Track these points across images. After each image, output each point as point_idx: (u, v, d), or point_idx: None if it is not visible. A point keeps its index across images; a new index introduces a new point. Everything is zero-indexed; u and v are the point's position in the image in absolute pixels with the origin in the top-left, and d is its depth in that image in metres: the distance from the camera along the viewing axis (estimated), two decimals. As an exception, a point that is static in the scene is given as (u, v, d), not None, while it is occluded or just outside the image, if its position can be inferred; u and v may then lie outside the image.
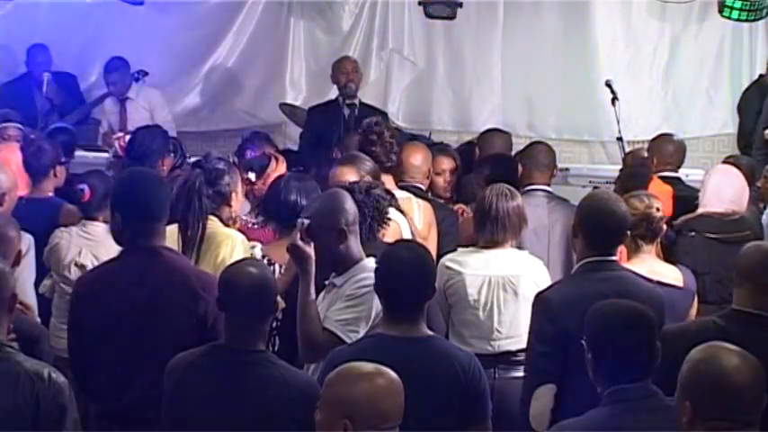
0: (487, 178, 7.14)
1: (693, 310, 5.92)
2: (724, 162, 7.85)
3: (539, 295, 5.22)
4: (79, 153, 8.99)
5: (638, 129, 10.85)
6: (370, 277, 4.87)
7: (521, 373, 5.38)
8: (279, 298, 4.60)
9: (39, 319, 6.32)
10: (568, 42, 11.47)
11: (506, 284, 6.00)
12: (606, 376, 4.01)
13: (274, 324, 5.30)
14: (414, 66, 11.82)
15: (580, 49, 11.40)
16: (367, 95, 10.62)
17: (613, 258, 5.20)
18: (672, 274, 5.86)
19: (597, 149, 11.39)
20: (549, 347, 5.04)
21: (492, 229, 6.02)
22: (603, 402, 3.99)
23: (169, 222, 5.19)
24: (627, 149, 9.60)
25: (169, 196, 5.11)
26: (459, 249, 6.23)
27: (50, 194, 7.20)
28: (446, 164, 7.70)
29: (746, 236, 7.02)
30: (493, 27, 11.59)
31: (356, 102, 10.09)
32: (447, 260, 6.13)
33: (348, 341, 4.75)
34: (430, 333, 4.58)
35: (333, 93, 10.49)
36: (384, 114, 10.41)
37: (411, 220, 6.46)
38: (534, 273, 6.01)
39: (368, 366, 3.67)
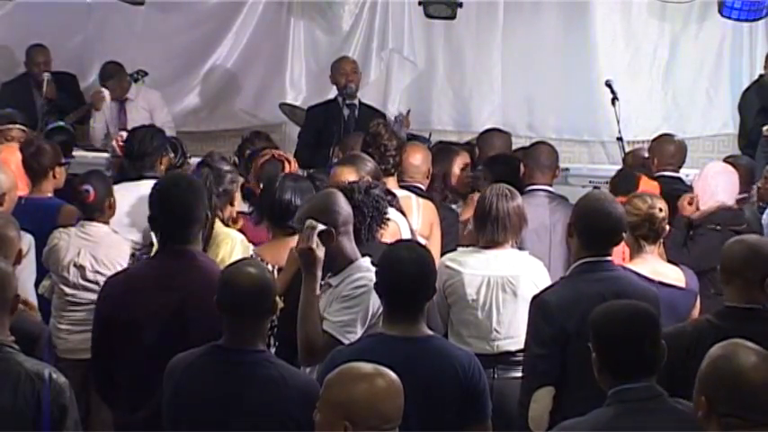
0: (489, 178, 7.16)
1: (696, 311, 5.92)
2: (724, 162, 7.85)
3: (535, 297, 5.23)
4: (79, 153, 8.99)
5: (638, 129, 10.86)
6: (365, 277, 4.88)
7: (520, 374, 5.38)
8: (277, 298, 4.59)
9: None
10: (568, 42, 11.48)
11: (506, 285, 5.99)
12: (610, 376, 4.01)
13: (273, 324, 5.30)
14: (414, 66, 11.83)
15: (580, 49, 11.41)
16: (367, 95, 10.63)
17: (609, 258, 5.21)
18: (674, 275, 5.86)
19: (597, 149, 11.39)
20: (546, 349, 5.04)
21: (492, 230, 6.02)
22: (607, 402, 3.99)
23: None
24: (627, 149, 9.62)
25: (205, 201, 5.08)
26: (459, 249, 6.23)
27: (50, 195, 7.20)
28: (467, 159, 7.76)
29: (746, 228, 7.05)
30: (493, 27, 11.59)
31: (356, 102, 10.09)
32: (447, 260, 6.13)
33: (346, 342, 4.75)
34: (430, 333, 4.58)
35: (333, 93, 10.49)
36: (383, 115, 10.42)
37: (409, 219, 6.46)
38: (534, 273, 6.01)
39: (367, 367, 3.67)
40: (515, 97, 11.60)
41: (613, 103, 9.98)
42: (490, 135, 8.64)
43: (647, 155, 8.27)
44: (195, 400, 4.35)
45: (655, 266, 5.81)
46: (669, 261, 6.14)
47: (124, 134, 7.82)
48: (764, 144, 9.35)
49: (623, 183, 6.97)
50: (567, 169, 9.41)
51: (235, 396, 4.31)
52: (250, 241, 5.97)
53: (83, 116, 10.77)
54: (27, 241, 6.26)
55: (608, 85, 10.13)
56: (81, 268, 6.51)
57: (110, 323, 4.92)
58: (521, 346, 5.46)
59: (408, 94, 11.65)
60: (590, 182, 9.29)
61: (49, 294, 6.64)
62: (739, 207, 7.27)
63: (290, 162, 7.00)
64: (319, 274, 4.96)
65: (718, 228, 7.01)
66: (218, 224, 5.76)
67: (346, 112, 9.97)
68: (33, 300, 6.18)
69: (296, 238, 5.55)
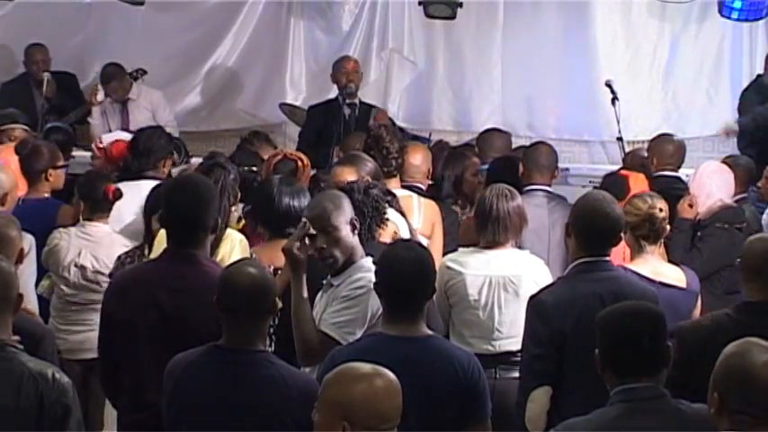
0: (489, 178, 7.17)
1: (697, 311, 5.91)
2: (723, 162, 7.86)
3: (532, 297, 5.23)
4: (79, 153, 8.99)
5: (638, 129, 10.86)
6: (366, 278, 4.88)
7: (521, 374, 5.38)
8: (277, 298, 4.60)
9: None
10: (568, 42, 11.48)
11: (507, 284, 5.99)
12: (614, 375, 4.01)
13: (274, 323, 5.30)
14: (414, 66, 11.83)
15: (580, 49, 11.41)
16: (367, 95, 10.63)
17: (606, 258, 5.21)
18: (675, 275, 5.86)
19: (597, 149, 11.40)
20: (543, 349, 5.04)
21: (493, 230, 6.02)
22: (610, 401, 3.99)
23: None
24: (627, 149, 9.62)
25: (215, 206, 5.06)
26: (460, 249, 6.23)
27: (47, 196, 7.19)
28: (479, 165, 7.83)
29: (746, 226, 7.06)
30: (493, 27, 11.60)
31: (356, 101, 10.10)
32: (448, 260, 6.13)
33: (344, 343, 4.75)
34: (430, 332, 4.58)
35: (333, 93, 10.50)
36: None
37: (410, 219, 6.46)
38: (535, 273, 6.01)
39: (366, 367, 3.66)
40: (515, 97, 11.61)
41: (613, 103, 9.98)
42: (490, 135, 8.65)
43: (646, 155, 8.28)
44: (195, 400, 4.35)
45: (655, 267, 5.81)
46: (671, 261, 6.13)
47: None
48: None
49: (612, 189, 6.93)
50: (566, 169, 9.41)
51: (235, 396, 4.31)
52: (250, 241, 5.96)
53: (82, 116, 10.77)
54: (28, 242, 6.27)
55: (608, 85, 10.14)
56: (82, 268, 6.52)
57: (112, 321, 4.93)
58: (522, 345, 5.47)
59: (408, 94, 11.65)
60: (590, 182, 9.28)
61: (47, 294, 6.64)
62: (739, 206, 7.27)
63: (302, 161, 7.00)
64: (304, 274, 4.97)
65: (726, 226, 7.02)
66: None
67: (347, 111, 9.98)
68: (34, 300, 6.20)
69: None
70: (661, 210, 5.82)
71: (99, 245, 6.54)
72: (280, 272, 5.45)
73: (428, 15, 10.82)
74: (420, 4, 10.74)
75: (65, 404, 4.18)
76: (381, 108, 10.33)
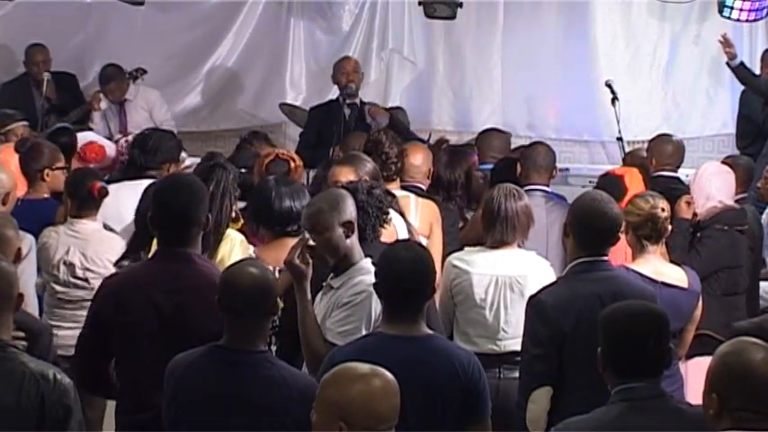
0: (493, 179, 7.18)
1: (698, 312, 5.92)
2: (723, 162, 7.86)
3: (532, 298, 5.23)
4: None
5: (638, 129, 10.87)
6: (365, 281, 4.87)
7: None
8: (279, 298, 4.60)
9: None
10: (568, 42, 11.49)
11: (513, 284, 6.00)
12: (614, 374, 4.01)
13: (274, 324, 5.30)
14: (414, 66, 11.83)
15: (580, 49, 11.42)
16: (367, 95, 10.63)
17: (605, 258, 5.21)
18: (676, 275, 5.86)
19: (597, 149, 11.40)
20: (543, 350, 5.04)
21: (501, 229, 6.03)
22: (611, 401, 3.99)
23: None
24: (627, 149, 9.62)
25: (206, 203, 5.04)
26: (467, 248, 6.23)
27: (46, 196, 7.19)
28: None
29: (748, 228, 7.06)
30: (493, 27, 11.60)
31: (357, 102, 10.10)
32: (454, 259, 6.13)
33: None
34: (430, 332, 4.58)
35: (333, 93, 10.51)
36: (385, 109, 10.41)
37: (408, 219, 6.46)
38: (541, 274, 6.00)
39: (364, 367, 3.66)
40: (515, 97, 11.61)
41: (613, 103, 9.99)
42: (489, 135, 8.65)
43: (646, 155, 8.28)
44: (195, 400, 4.35)
45: (657, 267, 5.81)
46: (673, 262, 6.14)
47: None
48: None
49: (608, 190, 6.94)
50: (566, 169, 9.43)
51: (235, 396, 4.31)
52: (250, 241, 5.96)
53: (82, 116, 10.77)
54: (28, 242, 6.27)
55: (608, 85, 10.15)
56: (70, 266, 6.52)
57: (106, 325, 4.87)
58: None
59: (408, 94, 11.65)
60: (590, 182, 9.27)
61: (41, 292, 6.65)
62: (741, 207, 7.27)
63: (295, 161, 6.98)
64: (308, 286, 4.96)
65: (725, 228, 7.02)
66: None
67: (347, 111, 9.98)
68: (34, 301, 6.20)
69: (296, 238, 5.58)
70: (663, 210, 5.82)
71: (87, 242, 6.54)
72: (282, 272, 5.45)
73: (428, 15, 10.83)
74: (420, 4, 10.74)
75: (66, 405, 4.17)
76: (374, 103, 10.30)
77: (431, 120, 11.53)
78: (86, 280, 6.51)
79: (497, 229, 6.04)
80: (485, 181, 7.67)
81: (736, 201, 7.33)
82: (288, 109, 11.16)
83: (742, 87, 10.62)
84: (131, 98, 10.85)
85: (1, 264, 4.32)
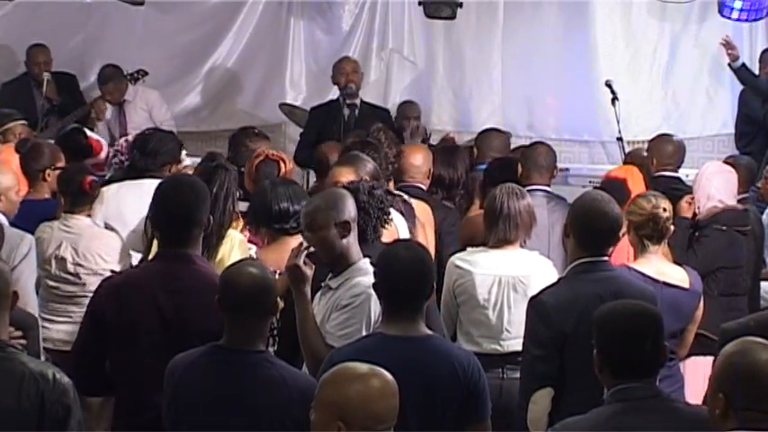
0: (487, 180, 7.18)
1: (699, 312, 5.91)
2: (725, 162, 7.86)
3: (533, 299, 5.23)
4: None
5: (638, 129, 10.87)
6: (363, 282, 4.86)
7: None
8: (278, 299, 4.59)
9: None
10: (568, 42, 11.49)
11: (516, 285, 6.00)
12: (611, 375, 4.02)
13: (274, 325, 5.30)
14: (414, 66, 11.83)
15: (580, 49, 11.42)
16: (367, 95, 10.63)
17: (605, 258, 5.21)
18: (678, 275, 5.86)
19: (597, 149, 11.40)
20: (545, 350, 5.05)
21: (504, 228, 6.03)
22: (607, 401, 4.00)
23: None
24: (627, 149, 9.62)
25: (207, 204, 5.03)
26: (469, 249, 6.23)
27: (47, 196, 7.19)
28: None
29: (751, 229, 7.06)
30: (493, 27, 11.60)
31: (357, 102, 10.11)
32: (457, 259, 6.14)
33: None
34: (429, 332, 4.58)
35: (333, 93, 10.52)
36: (387, 112, 10.44)
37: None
38: (544, 273, 6.01)
39: (362, 367, 3.66)
40: (515, 97, 11.61)
41: (613, 103, 9.99)
42: (489, 135, 8.64)
43: (646, 155, 8.27)
44: (195, 400, 4.36)
45: (659, 267, 5.81)
46: (674, 262, 6.14)
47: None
48: None
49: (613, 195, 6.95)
50: (566, 169, 9.42)
51: (235, 396, 4.31)
52: (250, 241, 5.96)
53: (83, 117, 10.76)
54: (28, 242, 6.27)
55: (608, 85, 10.15)
56: (62, 261, 6.52)
57: (105, 325, 4.86)
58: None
59: (408, 94, 11.63)
60: (590, 182, 9.29)
61: (36, 287, 6.66)
62: (744, 208, 7.27)
63: (284, 161, 6.97)
64: (309, 291, 4.95)
65: (724, 228, 7.02)
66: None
67: (347, 111, 9.99)
68: (34, 300, 6.20)
69: (297, 237, 5.58)
70: (665, 209, 5.81)
71: (79, 237, 6.54)
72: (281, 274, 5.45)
73: (428, 15, 10.83)
74: (420, 4, 10.75)
75: (66, 404, 4.17)
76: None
77: (431, 120, 11.51)
78: (77, 275, 6.51)
79: (500, 228, 6.05)
80: (473, 182, 7.67)
81: (738, 201, 7.33)
82: (288, 109, 11.16)
83: (742, 87, 10.63)
84: (131, 99, 10.84)
85: (-1, 263, 4.32)
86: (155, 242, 5.37)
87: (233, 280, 4.40)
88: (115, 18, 11.73)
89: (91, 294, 5.50)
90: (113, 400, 5.18)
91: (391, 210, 5.73)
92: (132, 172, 7.18)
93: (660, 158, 8.02)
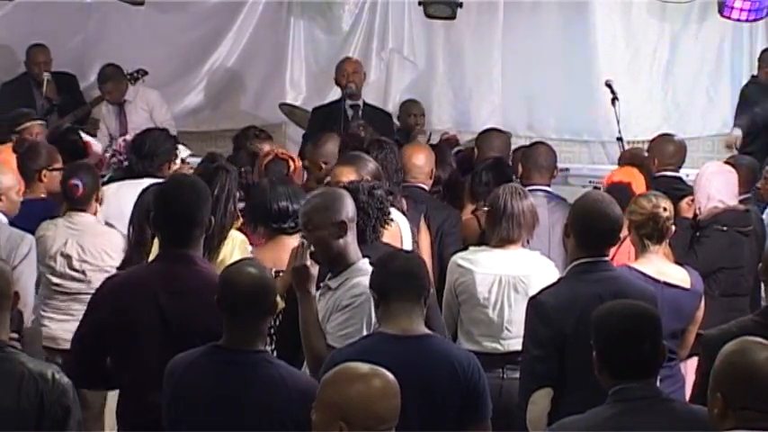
0: (476, 181, 7.19)
1: (700, 312, 5.91)
2: (726, 162, 7.86)
3: (533, 299, 5.23)
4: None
5: (638, 129, 10.87)
6: (363, 282, 4.85)
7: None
8: (278, 298, 4.59)
9: (33, 317, 6.35)
10: (568, 42, 11.48)
11: (518, 284, 6.00)
12: (610, 376, 4.01)
13: (273, 324, 5.30)
14: (414, 66, 11.84)
15: (580, 49, 11.41)
16: (367, 95, 10.63)
17: (606, 258, 5.21)
18: (679, 275, 5.85)
19: (597, 149, 11.40)
20: (544, 351, 5.04)
21: (507, 227, 6.04)
22: (607, 401, 4.00)
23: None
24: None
25: (209, 205, 5.02)
26: (471, 248, 6.24)
27: (43, 196, 7.19)
28: None
29: (753, 229, 7.06)
30: (493, 27, 11.60)
31: (359, 103, 10.11)
32: (458, 258, 6.14)
33: None
34: (429, 332, 4.58)
35: (333, 92, 10.53)
36: (388, 115, 10.45)
37: None
38: (545, 273, 6.01)
39: (364, 367, 3.65)
40: (515, 97, 11.61)
41: (613, 103, 9.98)
42: (489, 135, 8.63)
43: (645, 154, 8.27)
44: (195, 400, 4.35)
45: (660, 267, 5.80)
46: (676, 262, 6.14)
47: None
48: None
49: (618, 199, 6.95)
50: (567, 169, 9.42)
51: (235, 396, 4.31)
52: (250, 240, 5.96)
53: (83, 117, 10.77)
54: (28, 242, 6.28)
55: (608, 85, 10.14)
56: (68, 257, 6.53)
57: (106, 325, 4.86)
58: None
59: (408, 94, 11.63)
60: (590, 182, 9.30)
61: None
62: (746, 208, 7.27)
63: (293, 160, 6.98)
64: (313, 290, 4.96)
65: (725, 228, 7.01)
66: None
67: (349, 112, 9.99)
68: (32, 300, 6.21)
69: (294, 237, 5.58)
70: (665, 209, 5.81)
71: (84, 234, 6.55)
72: (282, 273, 5.45)
73: (428, 15, 10.83)
74: (420, 4, 10.75)
75: (65, 405, 4.18)
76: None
77: (431, 120, 11.51)
78: (83, 272, 6.52)
79: (503, 227, 6.05)
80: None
81: (740, 201, 7.33)
82: (288, 109, 11.16)
83: (741, 87, 10.64)
84: (131, 99, 10.84)
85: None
86: (155, 242, 5.38)
87: (232, 280, 4.40)
88: (115, 18, 11.74)
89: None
90: (113, 400, 5.18)
91: (394, 210, 5.73)
92: (132, 175, 7.19)
93: (661, 158, 8.02)
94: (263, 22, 11.92)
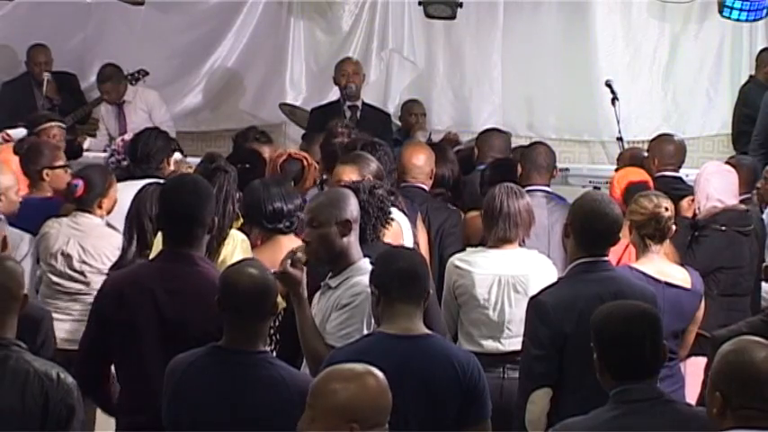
0: (488, 180, 7.18)
1: (700, 312, 5.91)
2: (726, 162, 7.86)
3: (533, 299, 5.23)
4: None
5: (638, 129, 10.87)
6: (363, 281, 4.86)
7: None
8: (279, 299, 4.59)
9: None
10: (568, 42, 11.48)
11: (517, 284, 6.00)
12: (611, 377, 4.02)
13: (273, 325, 5.30)
14: (414, 66, 11.83)
15: (580, 49, 11.41)
16: (367, 96, 10.63)
17: (605, 258, 5.21)
18: (680, 275, 5.85)
19: (597, 149, 11.40)
20: (544, 350, 5.04)
21: (504, 227, 6.04)
22: (609, 403, 4.00)
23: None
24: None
25: (212, 205, 5.04)
26: (469, 249, 6.24)
27: (49, 195, 7.19)
28: None
29: (753, 229, 7.06)
30: (493, 27, 11.60)
31: (358, 103, 10.11)
32: (456, 259, 6.14)
33: None
34: (429, 332, 4.58)
35: (333, 92, 10.52)
36: (387, 115, 10.45)
37: None
38: (544, 272, 6.01)
39: (356, 367, 3.65)
40: (515, 97, 11.61)
41: (613, 103, 9.98)
42: (490, 135, 8.64)
43: (645, 154, 8.27)
44: (195, 400, 4.36)
45: (661, 267, 5.80)
46: (677, 262, 6.14)
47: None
48: (756, 149, 9.37)
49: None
50: (566, 169, 9.43)
51: (235, 397, 4.31)
52: (250, 241, 5.96)
53: (83, 117, 10.78)
54: (27, 242, 6.28)
55: (608, 85, 10.13)
56: (68, 257, 6.52)
57: (107, 323, 4.88)
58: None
59: (408, 95, 11.64)
60: (590, 182, 9.30)
61: (37, 283, 6.65)
62: (746, 208, 7.27)
63: (308, 160, 6.98)
64: (305, 293, 4.95)
65: (723, 228, 7.01)
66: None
67: (348, 112, 9.99)
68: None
69: (290, 236, 5.59)
70: (667, 209, 5.81)
71: (87, 235, 6.54)
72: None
73: (428, 15, 10.83)
74: (420, 4, 10.74)
75: (69, 404, 4.20)
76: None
77: (431, 120, 11.50)
78: (83, 273, 6.51)
79: (500, 227, 6.05)
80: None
81: (741, 201, 7.33)
82: (288, 109, 11.16)
83: (741, 86, 10.64)
84: (130, 99, 10.85)
85: (10, 264, 4.34)
86: (154, 242, 5.38)
87: (233, 281, 4.40)
88: (115, 18, 11.75)
89: (94, 293, 5.49)
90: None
91: (395, 210, 5.74)
92: (133, 177, 7.19)
93: (661, 158, 8.01)
94: (263, 22, 11.92)
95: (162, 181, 6.25)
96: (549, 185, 7.28)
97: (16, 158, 7.39)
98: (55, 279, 6.58)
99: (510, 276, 6.01)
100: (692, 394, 5.63)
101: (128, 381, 4.89)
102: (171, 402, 4.42)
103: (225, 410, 4.31)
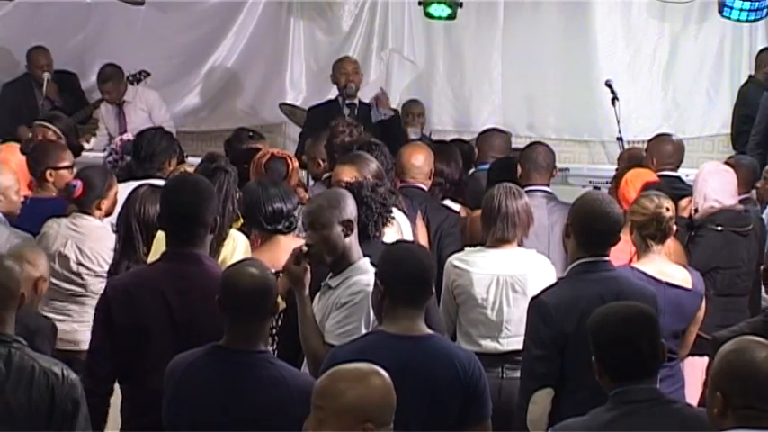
0: (488, 180, 7.18)
1: (701, 312, 5.91)
2: (726, 162, 7.87)
3: (534, 299, 5.23)
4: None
5: (638, 129, 10.88)
6: (362, 280, 4.87)
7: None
8: (279, 299, 4.60)
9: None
10: (568, 42, 11.49)
11: (515, 284, 6.01)
12: (610, 379, 4.02)
13: (274, 324, 5.30)
14: (414, 66, 11.84)
15: (580, 49, 11.42)
16: (367, 95, 10.62)
17: (606, 258, 5.21)
18: (681, 276, 5.85)
19: (597, 149, 11.41)
20: (545, 351, 5.04)
21: (503, 227, 6.04)
22: (607, 403, 4.00)
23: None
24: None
25: (214, 204, 5.02)
26: (467, 249, 6.24)
27: (53, 195, 7.20)
28: None
29: (752, 229, 7.06)
30: (493, 27, 11.61)
31: (356, 102, 10.11)
32: (454, 259, 6.14)
33: None
34: (430, 332, 4.58)
35: (333, 93, 10.51)
36: (396, 112, 10.44)
37: None
38: (542, 271, 6.02)
39: (364, 366, 3.65)
40: (515, 97, 11.62)
41: (613, 103, 9.99)
42: (490, 135, 8.64)
43: (644, 155, 8.27)
44: (196, 400, 4.36)
45: (661, 267, 5.80)
46: (676, 262, 6.14)
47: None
48: (753, 148, 9.37)
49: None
50: (566, 169, 9.43)
51: (235, 396, 4.31)
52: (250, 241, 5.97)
53: (84, 118, 10.78)
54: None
55: (608, 85, 10.14)
56: (65, 258, 6.51)
57: (118, 329, 4.84)
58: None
59: (408, 95, 11.64)
60: (590, 182, 9.31)
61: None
62: (744, 208, 7.27)
63: (291, 159, 6.98)
64: (307, 290, 4.97)
65: (720, 228, 7.02)
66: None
67: (346, 111, 9.99)
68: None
69: (290, 236, 5.59)
70: (668, 209, 5.81)
71: (85, 237, 6.53)
72: (282, 274, 5.45)
73: (428, 15, 10.83)
74: (420, 4, 10.75)
75: (75, 399, 4.25)
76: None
77: (431, 120, 11.51)
78: (79, 275, 6.50)
79: (498, 227, 6.05)
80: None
81: (740, 201, 7.33)
82: (288, 109, 11.16)
83: (740, 86, 10.64)
84: (130, 99, 10.85)
85: (8, 262, 4.35)
86: (154, 241, 5.37)
87: (233, 280, 4.40)
88: (115, 18, 11.76)
89: (91, 295, 5.49)
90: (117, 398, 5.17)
91: (395, 209, 5.74)
92: (134, 177, 7.19)
93: (660, 158, 8.01)
94: (262, 23, 11.93)
95: (159, 182, 6.25)
96: (548, 185, 7.28)
97: (16, 158, 7.40)
98: (52, 280, 6.58)
99: (508, 276, 6.02)
100: (689, 394, 5.63)
101: (137, 382, 4.85)
102: (171, 402, 4.41)
103: (225, 410, 4.30)
